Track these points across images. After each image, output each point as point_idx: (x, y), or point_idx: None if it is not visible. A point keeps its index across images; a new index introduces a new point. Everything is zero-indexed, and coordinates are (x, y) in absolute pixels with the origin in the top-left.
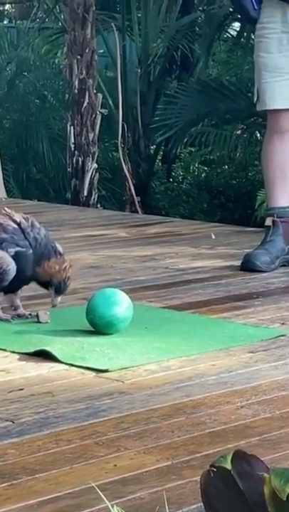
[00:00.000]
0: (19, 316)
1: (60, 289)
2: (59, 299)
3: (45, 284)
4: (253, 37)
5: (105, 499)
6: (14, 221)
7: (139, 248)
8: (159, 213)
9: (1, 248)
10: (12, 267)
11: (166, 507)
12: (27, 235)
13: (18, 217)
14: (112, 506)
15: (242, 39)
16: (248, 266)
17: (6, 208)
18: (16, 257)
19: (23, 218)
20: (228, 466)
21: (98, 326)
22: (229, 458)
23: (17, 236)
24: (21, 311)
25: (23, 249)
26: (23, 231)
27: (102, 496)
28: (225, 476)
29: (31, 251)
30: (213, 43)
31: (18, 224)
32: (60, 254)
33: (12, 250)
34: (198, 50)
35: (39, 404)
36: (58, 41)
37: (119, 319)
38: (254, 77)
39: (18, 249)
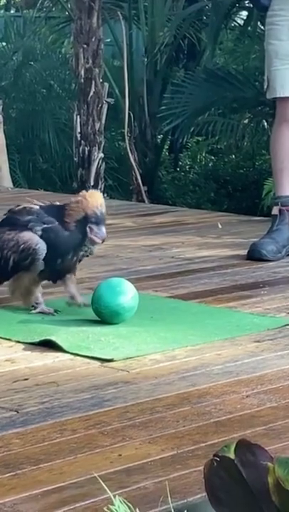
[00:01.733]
0: (79, 306)
1: (99, 218)
2: (103, 229)
3: (83, 228)
4: (260, 25)
5: (108, 490)
6: (36, 204)
7: (145, 237)
8: (166, 203)
9: (28, 229)
10: (41, 246)
11: (169, 497)
12: (49, 213)
13: (40, 202)
14: (115, 497)
15: (249, 28)
16: (254, 255)
17: (27, 198)
18: (45, 234)
19: (44, 202)
20: (232, 455)
21: (103, 316)
22: (233, 448)
23: (41, 215)
24: (77, 298)
25: (50, 225)
26: (45, 211)
27: (105, 486)
28: (228, 465)
29: (57, 223)
30: (220, 32)
31: (40, 206)
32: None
33: (39, 229)
34: (205, 39)
35: (44, 394)
36: (64, 30)
37: (125, 309)
38: (262, 65)
39: (44, 226)
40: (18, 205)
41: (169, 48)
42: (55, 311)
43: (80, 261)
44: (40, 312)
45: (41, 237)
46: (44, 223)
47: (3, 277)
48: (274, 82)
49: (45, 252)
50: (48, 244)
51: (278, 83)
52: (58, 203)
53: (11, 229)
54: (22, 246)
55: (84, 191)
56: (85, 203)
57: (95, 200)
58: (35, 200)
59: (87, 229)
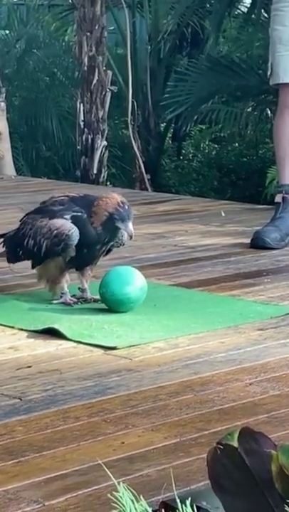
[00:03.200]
0: (85, 300)
1: (124, 216)
2: (130, 225)
3: (111, 226)
4: (264, 13)
5: (112, 477)
6: (67, 196)
7: (148, 226)
8: (169, 191)
9: (58, 216)
10: (74, 231)
11: (174, 484)
12: (79, 204)
13: (72, 193)
14: (119, 483)
15: (253, 16)
16: (257, 243)
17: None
18: (75, 220)
19: (78, 194)
20: (235, 443)
21: (109, 302)
22: (236, 435)
23: (70, 205)
24: (87, 294)
25: (78, 214)
26: (76, 202)
27: (109, 473)
28: (232, 453)
29: (86, 215)
30: (224, 20)
31: (72, 196)
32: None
33: (68, 216)
34: (208, 27)
35: (47, 382)
36: (67, 18)
37: (131, 299)
38: (265, 53)
39: (73, 213)
40: (52, 197)
41: (172, 35)
42: (79, 301)
43: (110, 251)
44: (62, 303)
45: (72, 223)
46: (73, 211)
47: (35, 262)
48: (277, 68)
49: (78, 238)
50: (78, 230)
51: (281, 69)
52: (90, 195)
53: (43, 217)
54: (55, 232)
55: (101, 199)
56: (104, 204)
57: (114, 199)
58: (67, 192)
59: (116, 227)
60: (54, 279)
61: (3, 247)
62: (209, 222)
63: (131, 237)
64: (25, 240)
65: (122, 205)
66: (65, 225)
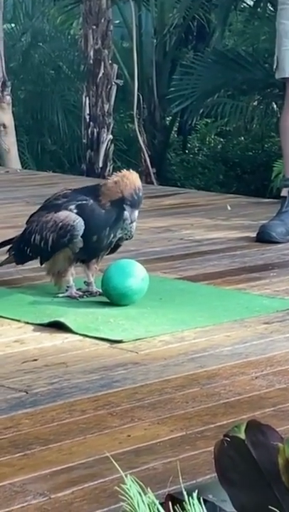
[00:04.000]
0: (91, 293)
1: (135, 201)
2: (136, 213)
3: (119, 208)
4: (270, 7)
5: (119, 469)
6: (70, 189)
7: (154, 219)
8: (175, 185)
9: (62, 209)
10: (79, 221)
11: (180, 477)
12: (83, 193)
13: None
14: (126, 476)
15: (259, 9)
16: (263, 237)
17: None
18: (80, 210)
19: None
20: (242, 436)
21: (113, 297)
22: (243, 428)
23: (74, 196)
24: (93, 288)
25: (84, 202)
26: (79, 192)
27: (117, 465)
28: (239, 446)
29: (92, 201)
30: (230, 13)
31: (75, 189)
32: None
33: (73, 206)
34: (214, 20)
35: (53, 375)
36: (73, 11)
37: (134, 291)
38: (271, 47)
39: (78, 203)
40: (55, 194)
41: (178, 29)
42: (84, 295)
43: (119, 246)
44: (67, 296)
45: (76, 214)
46: (77, 201)
47: (44, 258)
48: (283, 62)
49: (84, 227)
50: (84, 220)
51: (287, 63)
52: (92, 184)
53: (48, 212)
54: (60, 224)
55: (124, 171)
56: (123, 185)
57: (133, 182)
58: (70, 187)
59: (123, 208)
60: (62, 272)
61: (11, 251)
62: (215, 215)
63: (131, 222)
64: (32, 237)
65: (138, 192)
66: (69, 216)
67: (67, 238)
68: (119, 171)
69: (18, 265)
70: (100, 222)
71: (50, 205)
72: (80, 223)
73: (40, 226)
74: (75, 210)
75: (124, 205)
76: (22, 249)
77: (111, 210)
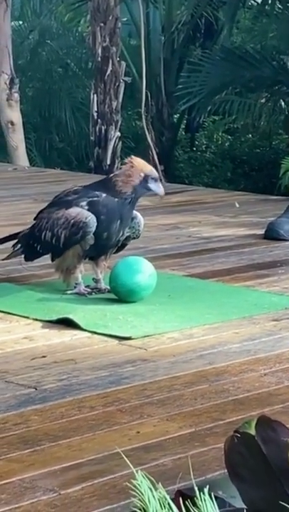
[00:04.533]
0: (99, 290)
1: (156, 175)
2: (161, 186)
3: (141, 190)
4: (278, 4)
5: (130, 465)
6: (80, 186)
7: (162, 216)
8: (182, 182)
9: (74, 206)
10: (91, 218)
11: (192, 473)
12: (95, 189)
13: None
14: (137, 472)
15: (267, 6)
16: (271, 234)
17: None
18: (91, 207)
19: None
20: (253, 432)
21: (121, 294)
22: (253, 424)
23: (85, 192)
24: (101, 285)
25: (95, 198)
26: (91, 188)
27: (128, 461)
28: (249, 441)
29: (104, 195)
30: (238, 11)
31: (85, 186)
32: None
33: (84, 203)
34: (222, 18)
35: (62, 372)
36: (80, 9)
37: (141, 287)
38: (279, 44)
39: (89, 199)
40: (64, 190)
41: (186, 26)
42: (93, 291)
43: (125, 245)
44: (76, 293)
45: (88, 210)
46: (88, 197)
47: (55, 255)
48: None
49: (96, 224)
50: (95, 216)
51: None
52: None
53: (59, 209)
54: (72, 221)
55: (128, 159)
56: (139, 166)
57: (143, 162)
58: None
59: (148, 187)
60: (71, 268)
61: (19, 246)
62: (223, 213)
63: (162, 196)
64: (43, 234)
65: (152, 168)
66: (81, 213)
67: (79, 235)
68: (124, 162)
69: (28, 262)
70: (112, 216)
71: (61, 202)
72: (92, 220)
73: (51, 223)
74: (86, 207)
75: (149, 184)
76: (32, 245)
77: (128, 197)
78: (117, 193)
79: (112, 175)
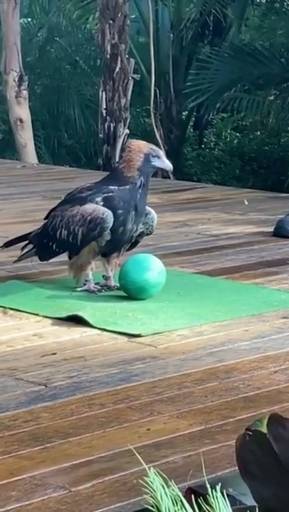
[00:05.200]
0: (109, 288)
1: (156, 151)
2: (166, 160)
3: (147, 169)
4: (287, 1)
5: (142, 462)
6: (92, 183)
7: (171, 214)
8: (191, 179)
9: (88, 202)
10: (108, 214)
11: (204, 470)
12: (106, 183)
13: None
14: (150, 469)
15: (275, 4)
16: (280, 232)
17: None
18: (107, 202)
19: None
20: (264, 429)
21: (130, 291)
22: (265, 422)
23: (99, 188)
24: (111, 282)
25: (109, 194)
26: (102, 183)
27: (140, 458)
28: (260, 439)
29: (116, 188)
30: (247, 8)
31: (96, 182)
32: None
33: (99, 199)
34: (231, 15)
35: (72, 369)
36: (88, 6)
37: (151, 284)
38: (288, 41)
39: (104, 195)
40: (77, 188)
41: (195, 24)
42: (103, 289)
43: (138, 242)
44: (85, 290)
45: (103, 206)
46: (103, 193)
47: (73, 252)
48: None
49: (113, 219)
50: (112, 211)
51: None
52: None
53: (73, 206)
54: (89, 217)
55: (126, 145)
56: (136, 148)
57: (140, 142)
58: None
59: (153, 166)
60: (83, 265)
61: (31, 247)
62: (232, 210)
63: (170, 170)
64: (58, 232)
65: (152, 146)
66: (97, 209)
67: (97, 231)
68: (123, 149)
69: (43, 261)
70: (127, 208)
71: (74, 199)
72: (109, 216)
73: (66, 221)
74: (101, 203)
75: (152, 161)
76: (46, 245)
77: (136, 182)
78: (126, 180)
79: (116, 165)
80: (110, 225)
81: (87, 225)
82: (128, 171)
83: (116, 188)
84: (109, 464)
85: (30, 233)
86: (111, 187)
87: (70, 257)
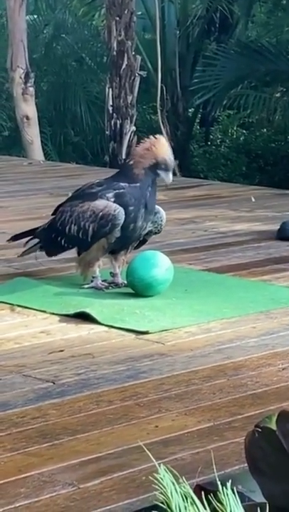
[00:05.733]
0: (116, 285)
1: (168, 165)
2: (170, 175)
3: (153, 173)
4: None
5: (153, 458)
6: (101, 179)
7: (178, 211)
8: (197, 176)
9: (99, 198)
10: (120, 211)
11: (214, 467)
12: (117, 179)
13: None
14: (160, 465)
15: (282, 0)
16: (285, 235)
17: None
18: (118, 199)
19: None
20: (273, 426)
21: (138, 288)
22: (274, 418)
23: (109, 183)
24: (118, 279)
25: (120, 190)
26: (113, 179)
27: (150, 454)
28: (269, 436)
29: (127, 185)
30: (253, 4)
31: (106, 178)
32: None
33: (110, 195)
34: (237, 12)
35: (79, 366)
36: (94, 3)
37: (158, 281)
38: None
39: (116, 191)
40: (86, 184)
41: (201, 20)
42: (110, 286)
43: (145, 241)
44: (92, 287)
45: (114, 202)
46: (114, 189)
47: (83, 248)
48: None
49: (124, 216)
50: (123, 208)
51: None
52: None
53: (83, 201)
54: (100, 214)
55: (151, 137)
56: (155, 151)
57: (164, 148)
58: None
59: (157, 174)
60: (91, 262)
61: (36, 242)
62: (239, 207)
63: (167, 184)
64: (67, 228)
65: (170, 155)
66: (109, 205)
67: (108, 228)
68: (148, 138)
69: (51, 257)
70: (138, 206)
71: (84, 195)
72: (121, 212)
73: (76, 216)
74: (112, 199)
75: (158, 170)
76: (55, 240)
77: (145, 180)
78: (136, 178)
79: (126, 160)
80: (122, 221)
81: (98, 221)
82: (135, 167)
83: (127, 185)
84: (117, 460)
85: (37, 228)
86: (122, 183)
87: (79, 253)
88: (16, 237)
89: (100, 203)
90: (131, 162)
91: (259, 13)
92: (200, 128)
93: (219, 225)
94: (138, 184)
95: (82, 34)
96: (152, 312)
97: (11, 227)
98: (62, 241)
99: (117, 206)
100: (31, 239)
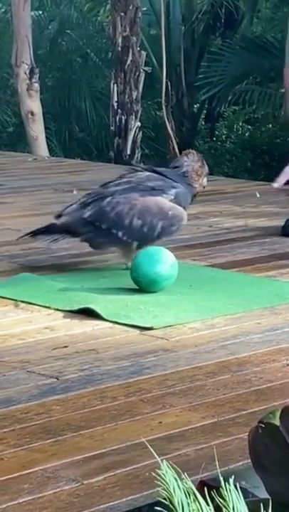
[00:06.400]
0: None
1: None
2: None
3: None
4: None
5: (155, 454)
6: (146, 169)
7: None
8: None
9: (162, 195)
10: (185, 213)
11: (217, 463)
12: (173, 177)
13: (144, 166)
14: (162, 461)
15: None
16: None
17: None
18: (178, 198)
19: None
20: (277, 422)
21: (142, 284)
22: (278, 414)
23: (167, 181)
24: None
25: (179, 189)
26: (169, 175)
27: (152, 451)
28: (273, 432)
29: (183, 187)
30: (258, 0)
31: (153, 170)
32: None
33: (172, 192)
34: (242, 7)
35: (84, 362)
36: None
37: (163, 277)
38: None
39: (176, 190)
40: (123, 175)
41: (206, 16)
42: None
43: None
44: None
45: (174, 201)
46: (172, 187)
47: (146, 243)
48: None
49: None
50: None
51: None
52: (173, 167)
53: (143, 195)
54: (170, 213)
55: (198, 155)
56: (204, 171)
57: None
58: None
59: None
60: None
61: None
62: (244, 203)
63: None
64: (128, 221)
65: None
66: (176, 206)
67: (176, 227)
68: (189, 155)
69: (98, 250)
70: (187, 209)
71: (140, 188)
72: (185, 214)
73: (139, 209)
74: (173, 198)
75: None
76: (107, 231)
77: (194, 192)
78: (190, 186)
79: (186, 168)
80: (185, 223)
81: (169, 219)
82: (194, 181)
83: (181, 186)
84: (121, 456)
85: (54, 224)
86: (179, 184)
87: (139, 247)
88: (34, 233)
89: (165, 201)
90: (191, 173)
91: (264, 9)
92: (205, 124)
93: (224, 220)
94: (187, 191)
95: (87, 30)
96: (157, 308)
97: (16, 223)
98: (120, 233)
99: (180, 207)
100: (44, 231)
